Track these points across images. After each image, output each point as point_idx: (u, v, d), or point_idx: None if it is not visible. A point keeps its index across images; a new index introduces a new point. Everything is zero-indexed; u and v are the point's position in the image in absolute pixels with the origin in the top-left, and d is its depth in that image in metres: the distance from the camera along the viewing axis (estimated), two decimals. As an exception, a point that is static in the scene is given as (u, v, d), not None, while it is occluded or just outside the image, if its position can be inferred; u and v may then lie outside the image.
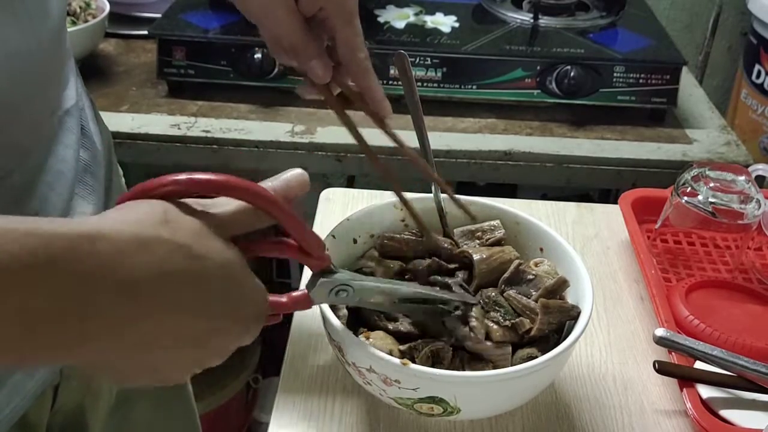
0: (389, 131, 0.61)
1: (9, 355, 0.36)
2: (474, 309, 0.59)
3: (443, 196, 0.68)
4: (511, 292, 0.62)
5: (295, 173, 0.47)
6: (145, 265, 0.37)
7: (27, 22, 0.48)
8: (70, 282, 0.35)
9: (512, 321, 0.60)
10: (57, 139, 0.55)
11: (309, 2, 0.56)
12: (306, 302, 0.50)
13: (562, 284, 0.63)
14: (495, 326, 0.59)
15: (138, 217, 0.39)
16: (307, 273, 0.54)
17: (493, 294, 0.62)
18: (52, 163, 0.53)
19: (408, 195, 0.66)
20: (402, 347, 0.58)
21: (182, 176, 0.42)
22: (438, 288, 0.61)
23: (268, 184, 0.46)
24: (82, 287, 0.35)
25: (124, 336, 0.38)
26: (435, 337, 0.59)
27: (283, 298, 0.49)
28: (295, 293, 0.50)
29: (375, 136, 0.62)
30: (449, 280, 0.62)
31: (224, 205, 0.43)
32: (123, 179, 0.74)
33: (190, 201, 0.42)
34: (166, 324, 0.40)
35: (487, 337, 0.59)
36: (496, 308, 0.61)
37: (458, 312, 0.59)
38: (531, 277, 0.64)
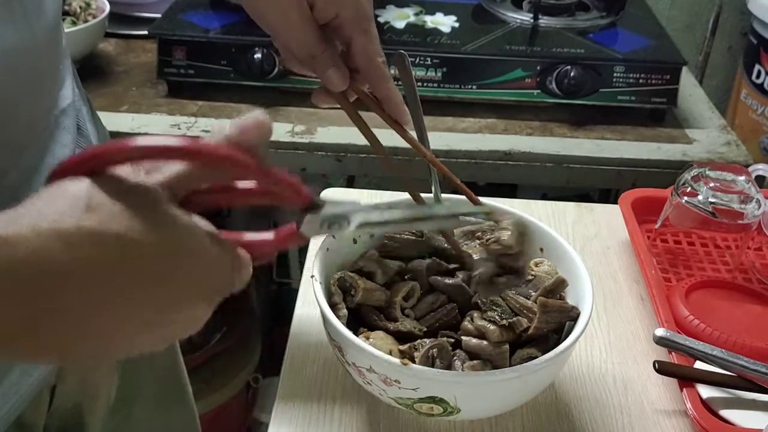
0: (408, 137, 0.61)
1: None
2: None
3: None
4: (510, 293, 0.62)
5: (250, 117, 0.41)
6: (70, 262, 0.34)
7: (23, 20, 0.48)
8: None
9: (509, 320, 0.60)
10: (53, 138, 0.55)
11: (324, 9, 0.55)
12: (295, 238, 0.44)
13: (560, 284, 0.63)
14: (492, 326, 0.59)
15: (58, 207, 0.35)
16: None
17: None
18: (48, 162, 0.53)
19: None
20: (402, 347, 0.58)
21: (114, 146, 0.37)
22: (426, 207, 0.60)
23: (226, 131, 0.40)
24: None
25: (68, 335, 0.36)
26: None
27: (270, 235, 0.44)
28: (282, 228, 0.44)
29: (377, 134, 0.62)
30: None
31: (170, 165, 0.39)
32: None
33: (127, 170, 0.38)
34: (118, 314, 0.37)
35: (484, 336, 0.59)
36: (494, 308, 0.61)
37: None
38: (530, 277, 0.64)
